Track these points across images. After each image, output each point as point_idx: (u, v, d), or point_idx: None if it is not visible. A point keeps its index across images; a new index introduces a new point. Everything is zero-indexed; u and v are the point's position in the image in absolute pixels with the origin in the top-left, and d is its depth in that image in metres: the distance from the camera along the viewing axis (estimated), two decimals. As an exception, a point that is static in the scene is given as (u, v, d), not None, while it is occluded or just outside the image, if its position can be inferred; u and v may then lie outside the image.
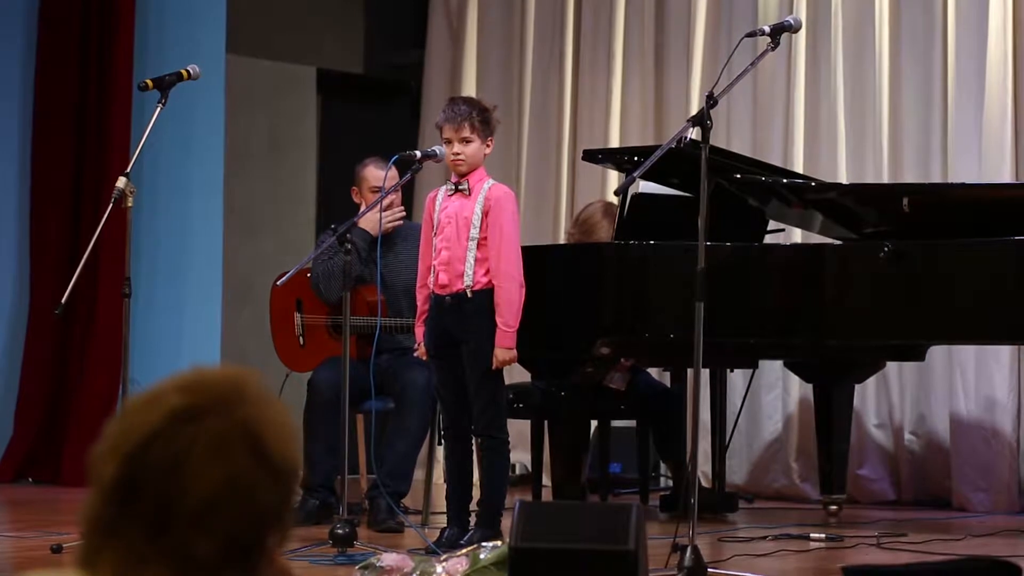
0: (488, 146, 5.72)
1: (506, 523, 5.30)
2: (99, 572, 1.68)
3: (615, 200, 7.00)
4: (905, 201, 6.50)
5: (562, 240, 8.80)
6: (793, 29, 5.44)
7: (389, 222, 6.52)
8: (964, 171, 7.69)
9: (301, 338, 6.83)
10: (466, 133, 5.65)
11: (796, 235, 7.66)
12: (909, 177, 7.92)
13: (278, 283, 6.26)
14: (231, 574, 1.70)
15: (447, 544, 5.53)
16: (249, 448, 1.70)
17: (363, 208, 6.31)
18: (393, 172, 6.00)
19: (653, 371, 7.64)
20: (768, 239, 7.10)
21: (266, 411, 1.73)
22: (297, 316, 6.84)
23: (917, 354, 7.16)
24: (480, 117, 5.66)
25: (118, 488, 1.68)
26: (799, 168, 8.02)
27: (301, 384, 6.76)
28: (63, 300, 5.80)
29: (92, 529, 1.71)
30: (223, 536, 1.68)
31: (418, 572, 4.66)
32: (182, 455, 1.67)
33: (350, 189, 6.69)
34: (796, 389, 8.10)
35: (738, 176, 6.65)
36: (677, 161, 5.96)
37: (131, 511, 1.68)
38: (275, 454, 1.71)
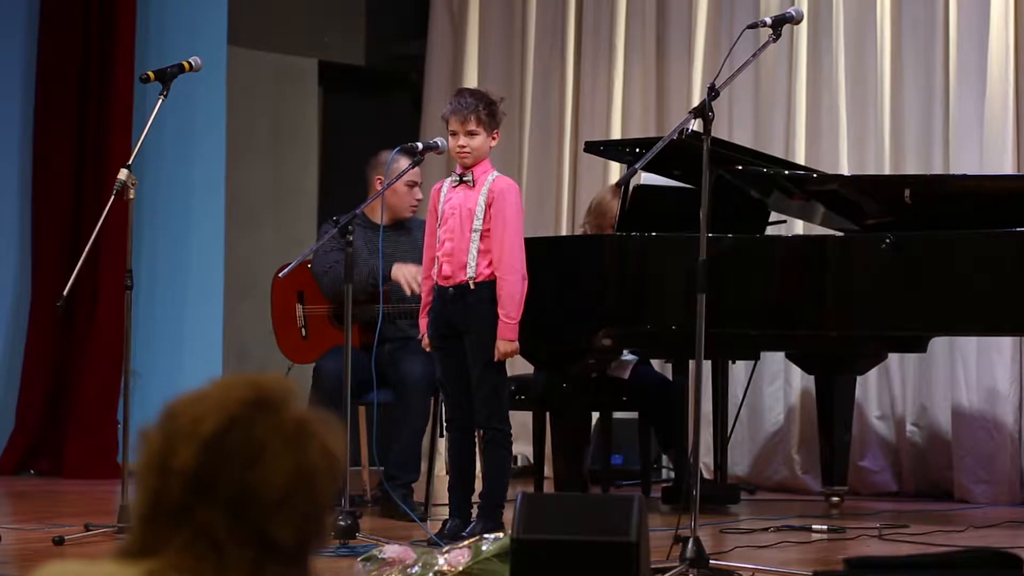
0: (494, 139, 5.72)
1: (508, 515, 5.31)
2: (159, 560, 1.67)
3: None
4: (907, 192, 6.49)
5: (565, 231, 8.81)
6: (795, 20, 5.44)
7: (411, 207, 6.66)
8: (966, 162, 7.69)
9: (303, 329, 6.84)
10: (472, 126, 5.65)
11: (798, 226, 7.66)
12: (911, 168, 7.92)
13: (280, 275, 6.28)
14: (302, 564, 1.73)
15: (449, 536, 5.53)
16: (317, 440, 1.74)
17: (369, 197, 6.34)
18: (402, 164, 6.05)
19: (655, 363, 7.64)
20: (770, 230, 7.10)
21: (311, 410, 1.79)
22: (299, 308, 6.84)
23: (919, 345, 7.16)
24: (487, 110, 5.66)
25: (195, 474, 1.69)
26: (800, 159, 8.02)
27: (303, 377, 6.75)
28: (65, 292, 5.80)
29: (155, 518, 1.70)
30: (298, 524, 1.71)
31: (420, 564, 4.66)
32: (262, 444, 1.70)
33: (373, 178, 6.70)
34: (798, 381, 8.10)
35: (740, 167, 6.65)
36: (679, 153, 5.95)
37: (208, 497, 1.69)
38: (334, 451, 1.76)
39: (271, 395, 1.74)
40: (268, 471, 1.69)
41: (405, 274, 6.35)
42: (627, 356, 7.14)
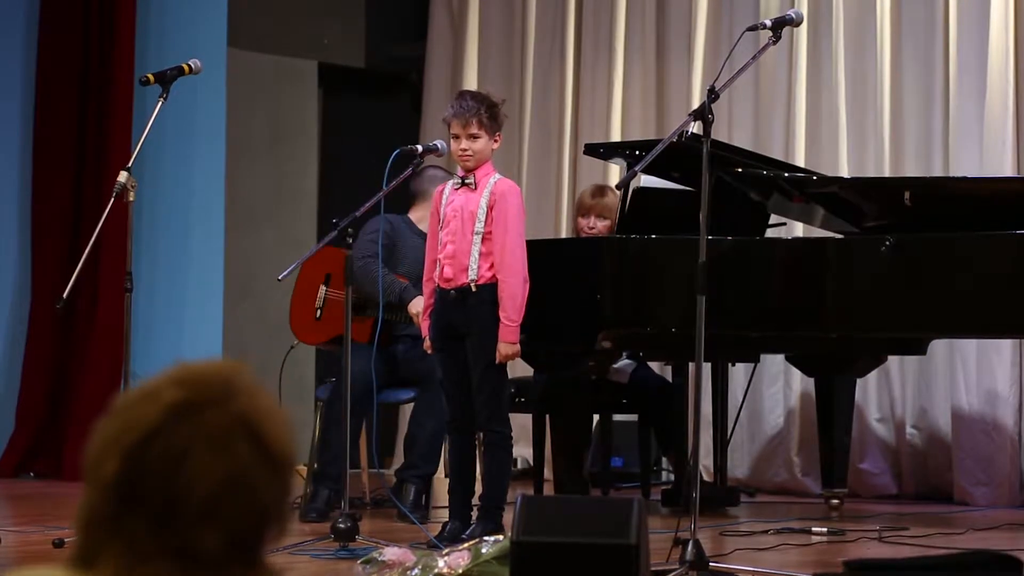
0: (496, 141, 5.72)
1: (508, 517, 5.31)
2: (99, 571, 1.66)
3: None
4: (906, 194, 6.49)
5: (564, 233, 8.80)
6: (794, 23, 5.44)
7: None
8: (965, 164, 7.69)
9: (319, 311, 6.89)
10: (474, 129, 5.65)
11: (797, 229, 7.66)
12: (910, 170, 7.92)
13: (279, 278, 6.27)
14: (236, 569, 1.69)
15: (449, 538, 5.53)
16: (249, 441, 1.69)
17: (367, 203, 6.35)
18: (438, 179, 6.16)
19: (655, 365, 7.64)
20: (769, 233, 7.10)
21: (261, 402, 1.72)
22: (322, 288, 6.88)
23: (918, 348, 7.16)
24: (488, 113, 5.65)
25: (119, 485, 1.67)
26: (800, 162, 8.02)
27: (306, 358, 6.77)
28: (64, 294, 5.80)
29: (90, 527, 1.69)
30: (227, 530, 1.67)
31: (420, 566, 4.66)
32: (184, 450, 1.66)
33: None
34: (798, 383, 8.10)
35: (739, 170, 6.65)
36: (678, 155, 5.95)
37: (133, 508, 1.66)
38: (273, 446, 1.71)
39: (201, 395, 1.69)
40: (192, 479, 1.65)
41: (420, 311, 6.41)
42: (623, 361, 7.14)
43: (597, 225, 6.91)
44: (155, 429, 1.67)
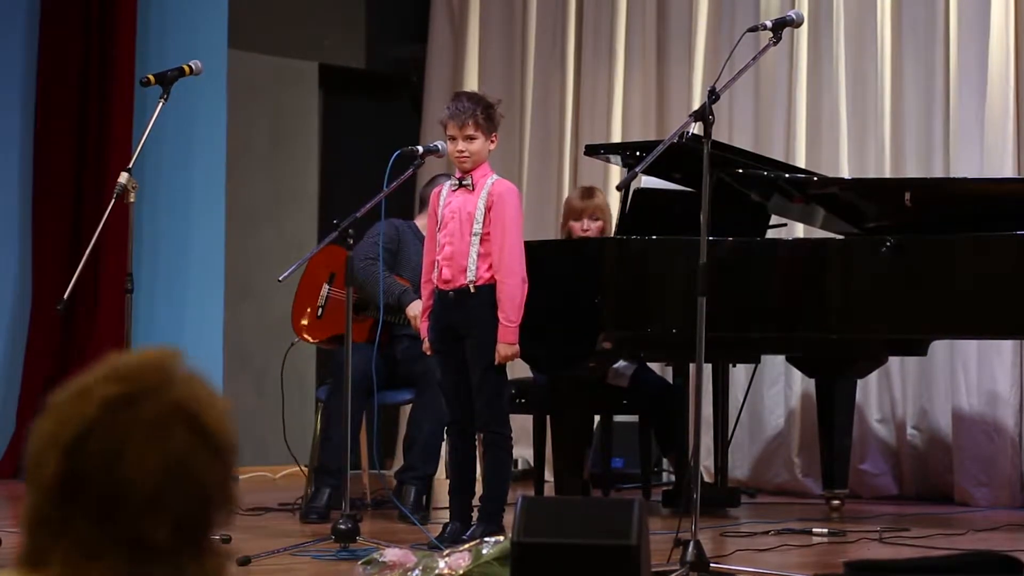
0: (492, 142, 5.72)
1: (508, 518, 5.31)
2: (48, 572, 1.66)
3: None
4: (907, 196, 6.50)
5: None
6: (795, 24, 5.43)
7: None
8: (966, 165, 7.69)
9: (321, 309, 6.90)
10: (470, 130, 5.65)
11: (798, 230, 7.66)
12: (911, 172, 7.92)
13: (280, 279, 6.28)
14: (186, 556, 1.68)
15: (449, 539, 5.53)
16: (187, 427, 1.68)
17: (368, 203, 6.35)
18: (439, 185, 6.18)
19: (655, 366, 7.64)
20: (770, 234, 7.10)
21: (197, 389, 1.72)
22: (325, 287, 6.90)
23: (919, 349, 7.16)
24: (484, 113, 5.66)
25: (60, 485, 1.66)
26: (801, 163, 8.02)
27: (306, 358, 6.77)
28: (65, 296, 5.80)
29: (37, 529, 1.68)
30: (173, 518, 1.66)
31: (421, 567, 4.66)
32: (122, 443, 1.65)
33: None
34: (798, 384, 8.10)
35: (740, 171, 6.65)
36: (679, 156, 5.96)
37: (77, 506, 1.66)
38: (212, 430, 1.70)
39: (136, 387, 1.69)
40: (132, 470, 1.64)
41: (418, 314, 6.42)
42: (623, 363, 7.14)
43: (591, 227, 6.93)
44: (91, 425, 1.66)
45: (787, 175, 6.77)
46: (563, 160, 9.09)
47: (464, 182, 5.69)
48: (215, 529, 1.71)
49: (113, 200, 5.74)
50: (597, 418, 7.55)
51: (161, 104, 5.89)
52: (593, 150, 7.20)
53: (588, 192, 7.12)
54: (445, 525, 5.78)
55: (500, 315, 5.60)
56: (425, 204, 6.78)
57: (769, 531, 6.22)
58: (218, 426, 1.71)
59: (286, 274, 5.98)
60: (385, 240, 6.66)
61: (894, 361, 7.74)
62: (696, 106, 5.96)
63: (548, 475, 7.19)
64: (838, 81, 8.15)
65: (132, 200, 5.76)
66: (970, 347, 7.63)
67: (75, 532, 1.65)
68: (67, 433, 1.67)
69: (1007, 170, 7.57)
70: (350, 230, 5.61)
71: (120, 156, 7.96)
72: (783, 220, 7.28)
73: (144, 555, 1.66)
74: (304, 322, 6.95)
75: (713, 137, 5.04)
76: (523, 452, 8.34)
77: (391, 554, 4.75)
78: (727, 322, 6.22)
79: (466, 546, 4.72)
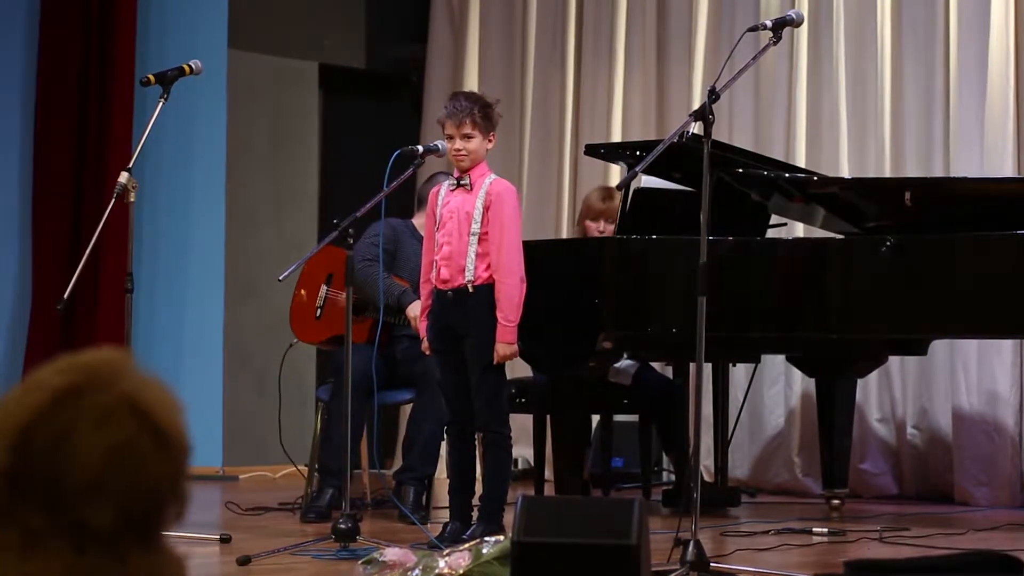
0: (490, 141, 5.72)
1: (508, 518, 5.31)
2: None
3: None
4: (907, 195, 6.49)
5: (565, 234, 8.80)
6: (795, 23, 5.43)
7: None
8: (966, 165, 7.69)
9: (319, 310, 6.91)
10: (468, 129, 5.65)
11: (798, 229, 7.66)
12: (911, 171, 7.92)
13: (280, 279, 6.28)
14: (132, 549, 1.69)
15: (449, 539, 5.53)
16: (135, 419, 1.69)
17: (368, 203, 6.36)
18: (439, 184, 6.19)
19: (656, 365, 7.64)
20: (770, 233, 7.10)
21: (148, 384, 1.73)
22: (323, 288, 6.91)
23: (919, 348, 7.16)
24: (482, 113, 5.66)
25: (7, 473, 1.67)
26: (801, 162, 8.03)
27: (306, 359, 6.77)
28: (65, 295, 5.80)
29: None
30: (116, 506, 1.67)
31: (421, 567, 4.66)
32: (67, 431, 1.66)
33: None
34: (798, 383, 8.10)
35: (740, 170, 6.65)
36: (679, 155, 5.96)
37: (24, 495, 1.67)
38: (162, 425, 1.71)
39: (86, 380, 1.70)
40: (75, 455, 1.66)
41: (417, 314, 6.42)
42: (626, 362, 7.14)
43: (607, 229, 6.98)
44: (40, 415, 1.68)
45: (787, 175, 6.77)
46: (563, 160, 9.09)
47: (462, 182, 5.69)
48: (165, 525, 1.72)
49: (113, 200, 5.74)
50: (597, 418, 7.55)
51: (161, 104, 5.89)
52: (593, 150, 7.20)
53: (609, 194, 7.14)
54: (445, 525, 5.78)
55: (499, 315, 5.59)
56: (423, 203, 6.77)
57: (769, 531, 6.22)
58: (168, 422, 1.71)
59: (286, 274, 5.98)
60: (388, 244, 6.66)
61: (894, 361, 7.73)
62: (696, 106, 5.96)
63: (548, 475, 7.19)
64: (838, 81, 8.15)
65: (132, 200, 5.77)
66: (970, 347, 7.63)
67: (21, 521, 1.67)
68: (16, 422, 1.68)
69: (1007, 170, 7.57)
70: (350, 229, 5.61)
71: (120, 156, 7.97)
72: (783, 220, 7.28)
73: (86, 542, 1.67)
74: (303, 323, 6.94)
75: (713, 137, 5.03)
76: (523, 452, 8.34)
77: (391, 554, 4.75)
78: (727, 322, 6.22)
79: (466, 546, 4.72)
